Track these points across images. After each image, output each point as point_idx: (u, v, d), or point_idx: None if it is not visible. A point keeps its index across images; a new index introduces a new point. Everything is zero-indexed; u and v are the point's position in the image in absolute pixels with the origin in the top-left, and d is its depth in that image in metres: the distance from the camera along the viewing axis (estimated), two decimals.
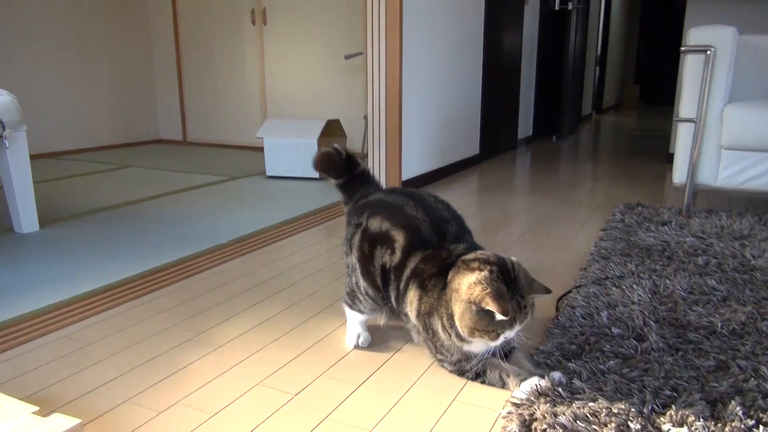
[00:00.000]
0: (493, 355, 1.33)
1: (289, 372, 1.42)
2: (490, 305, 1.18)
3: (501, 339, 1.25)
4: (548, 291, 1.28)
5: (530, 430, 1.11)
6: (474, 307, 1.21)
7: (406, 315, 1.41)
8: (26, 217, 2.64)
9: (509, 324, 1.23)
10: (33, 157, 4.78)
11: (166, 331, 1.65)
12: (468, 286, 1.22)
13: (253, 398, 1.30)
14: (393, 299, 1.43)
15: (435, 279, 1.32)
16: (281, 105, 5.29)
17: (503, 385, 1.31)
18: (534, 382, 1.26)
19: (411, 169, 3.53)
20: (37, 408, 1.14)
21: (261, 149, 4.07)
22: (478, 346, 1.31)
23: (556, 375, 1.29)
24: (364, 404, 1.28)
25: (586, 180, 3.92)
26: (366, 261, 1.45)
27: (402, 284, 1.38)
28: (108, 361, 1.47)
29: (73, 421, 1.08)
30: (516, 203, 3.27)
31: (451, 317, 1.27)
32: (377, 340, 1.58)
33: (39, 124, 4.82)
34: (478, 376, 1.35)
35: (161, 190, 3.60)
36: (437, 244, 1.37)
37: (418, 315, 1.36)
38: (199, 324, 1.69)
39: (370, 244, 1.44)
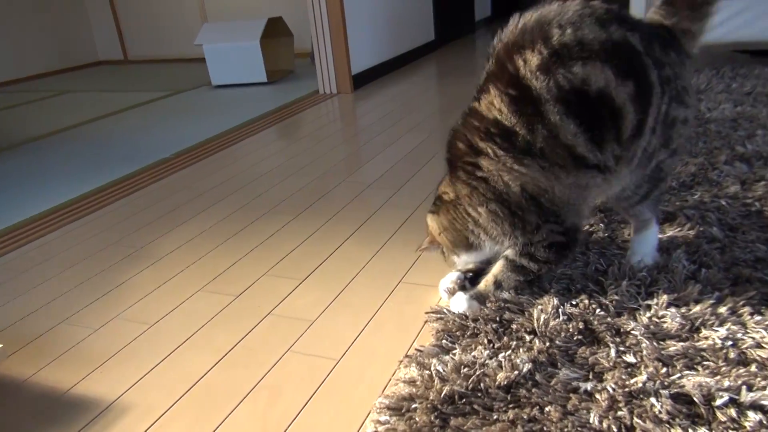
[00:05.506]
0: None
1: (230, 276, 1.37)
2: None
3: None
4: None
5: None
6: None
7: None
8: None
9: None
10: None
11: (104, 250, 1.57)
12: None
13: (193, 305, 1.26)
14: None
15: None
16: (221, 8, 4.94)
17: None
18: (462, 300, 1.06)
19: (362, 62, 3.35)
20: None
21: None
22: None
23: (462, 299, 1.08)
24: (308, 297, 1.24)
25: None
26: None
27: None
28: (42, 287, 1.41)
29: None
30: (475, 85, 3.14)
31: None
32: (325, 232, 1.53)
33: None
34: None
35: (101, 112, 3.40)
36: None
37: None
38: (139, 239, 1.62)
39: None
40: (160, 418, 0.93)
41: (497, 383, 0.85)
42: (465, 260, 1.15)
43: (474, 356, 0.91)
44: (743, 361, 0.85)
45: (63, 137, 2.91)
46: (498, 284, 1.07)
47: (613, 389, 0.82)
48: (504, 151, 0.96)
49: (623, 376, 0.84)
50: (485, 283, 1.08)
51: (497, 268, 1.08)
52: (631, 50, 0.93)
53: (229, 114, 3.02)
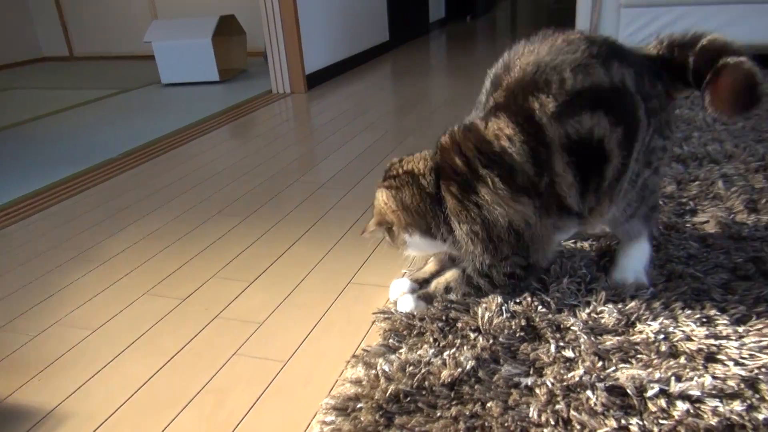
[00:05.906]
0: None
1: (178, 278, 1.34)
2: None
3: None
4: None
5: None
6: None
7: None
8: None
9: None
10: None
11: (47, 253, 1.52)
12: None
13: (137, 309, 1.23)
14: None
15: None
16: (172, 5, 4.84)
17: None
18: (409, 300, 1.07)
19: (316, 62, 3.33)
20: None
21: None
22: None
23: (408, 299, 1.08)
24: (256, 299, 1.23)
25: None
26: None
27: None
28: None
29: None
30: (429, 85, 3.17)
31: None
32: (276, 233, 1.52)
33: None
34: None
35: (45, 110, 3.28)
36: None
37: None
38: (84, 242, 1.57)
39: None
40: (101, 425, 0.91)
41: (441, 381, 0.87)
42: (417, 242, 1.07)
43: (419, 355, 0.92)
44: (674, 353, 0.89)
45: (4, 136, 2.80)
46: (448, 290, 1.08)
47: (552, 384, 0.84)
48: (504, 185, 0.96)
49: (562, 371, 0.87)
50: (436, 284, 1.10)
51: (451, 275, 1.09)
52: (626, 93, 0.94)
53: (180, 113, 2.96)
